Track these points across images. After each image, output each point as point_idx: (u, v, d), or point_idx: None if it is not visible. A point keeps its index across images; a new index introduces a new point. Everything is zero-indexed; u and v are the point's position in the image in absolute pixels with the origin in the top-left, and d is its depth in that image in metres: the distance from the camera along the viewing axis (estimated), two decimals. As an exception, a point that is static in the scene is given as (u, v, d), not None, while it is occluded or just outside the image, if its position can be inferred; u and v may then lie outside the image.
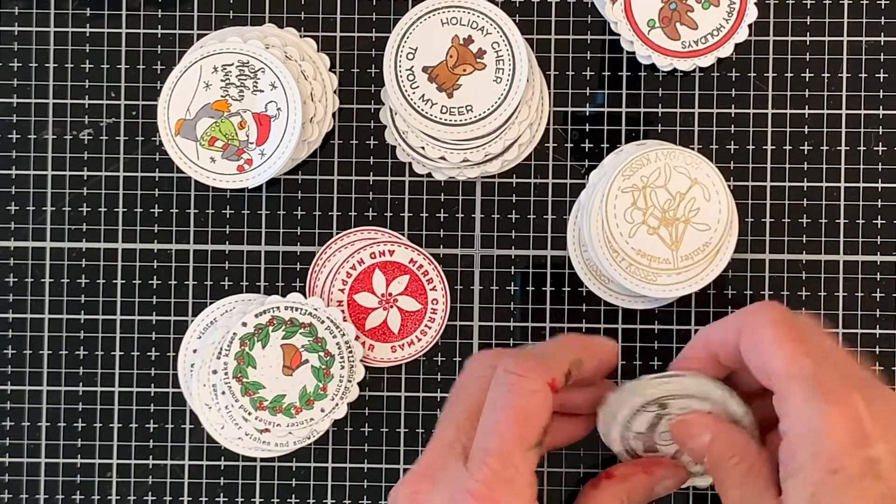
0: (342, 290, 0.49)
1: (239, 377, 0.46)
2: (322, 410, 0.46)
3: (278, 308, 0.46)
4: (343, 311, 0.48)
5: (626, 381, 0.39)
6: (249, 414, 0.46)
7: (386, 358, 0.49)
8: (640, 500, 0.40)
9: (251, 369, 0.46)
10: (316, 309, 0.46)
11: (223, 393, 0.46)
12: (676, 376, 0.38)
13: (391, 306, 0.49)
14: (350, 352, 0.47)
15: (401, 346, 0.49)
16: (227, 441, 0.47)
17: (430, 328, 0.49)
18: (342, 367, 0.46)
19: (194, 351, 0.48)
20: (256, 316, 0.46)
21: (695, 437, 0.37)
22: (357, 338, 0.47)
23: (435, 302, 0.49)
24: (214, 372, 0.46)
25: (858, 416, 0.31)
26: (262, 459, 0.49)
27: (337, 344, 0.46)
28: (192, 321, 0.49)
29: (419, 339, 0.49)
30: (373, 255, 0.49)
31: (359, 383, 0.48)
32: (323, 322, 0.46)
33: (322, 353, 0.46)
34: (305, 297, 0.48)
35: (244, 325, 0.46)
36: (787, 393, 0.32)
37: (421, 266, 0.49)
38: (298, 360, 0.46)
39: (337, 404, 0.47)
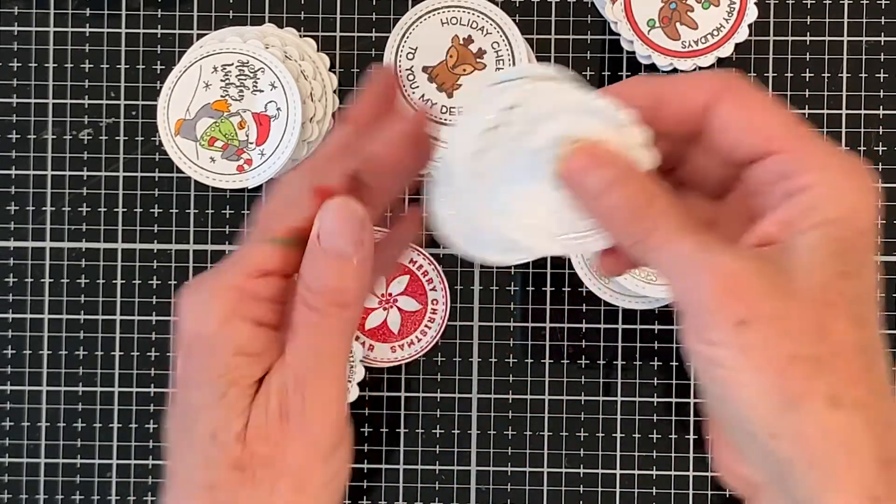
0: None
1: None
2: None
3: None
4: None
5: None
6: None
7: (386, 358, 0.49)
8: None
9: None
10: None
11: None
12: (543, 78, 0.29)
13: (391, 306, 0.49)
14: (349, 353, 0.46)
15: (400, 346, 0.49)
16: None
17: (429, 328, 0.49)
18: None
19: None
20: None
21: (600, 167, 0.29)
22: (356, 338, 0.47)
23: (435, 302, 0.49)
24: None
25: (874, 190, 0.29)
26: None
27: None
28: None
29: (419, 340, 0.49)
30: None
31: (358, 384, 0.48)
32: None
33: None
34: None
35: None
36: (804, 150, 0.29)
37: (421, 266, 0.49)
38: None
39: None
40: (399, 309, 0.49)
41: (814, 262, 0.28)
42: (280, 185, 0.33)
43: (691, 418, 0.50)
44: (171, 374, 0.32)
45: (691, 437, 0.50)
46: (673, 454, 0.49)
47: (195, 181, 0.48)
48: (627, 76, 0.49)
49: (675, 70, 0.49)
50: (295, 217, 0.31)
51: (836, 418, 0.27)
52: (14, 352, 0.50)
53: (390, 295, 0.49)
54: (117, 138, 0.50)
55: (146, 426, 0.50)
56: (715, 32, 0.47)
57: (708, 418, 0.31)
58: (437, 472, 0.50)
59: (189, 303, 0.30)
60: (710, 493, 0.49)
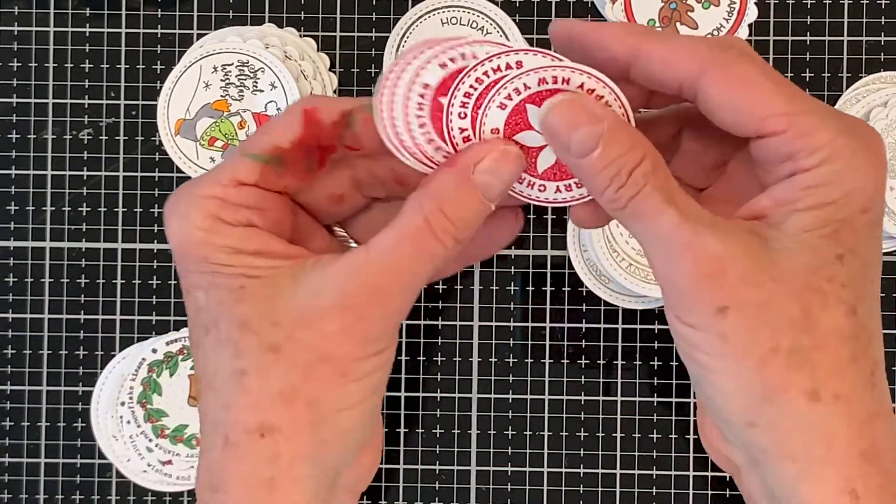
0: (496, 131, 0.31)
1: (143, 403, 0.46)
2: None
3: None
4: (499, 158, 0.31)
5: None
6: (151, 441, 0.46)
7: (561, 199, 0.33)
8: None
9: (156, 396, 0.46)
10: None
11: (128, 422, 0.46)
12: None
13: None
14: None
15: (576, 184, 0.32)
16: (132, 475, 0.47)
17: None
18: None
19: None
20: (167, 343, 0.46)
21: (590, 123, 0.27)
22: None
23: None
24: (122, 403, 0.46)
25: (883, 159, 0.28)
26: (171, 494, 0.49)
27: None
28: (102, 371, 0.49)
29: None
30: (542, 81, 0.30)
31: None
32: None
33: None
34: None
35: (154, 351, 0.47)
36: (810, 128, 0.27)
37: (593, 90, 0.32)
38: None
39: None
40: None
41: (805, 244, 0.27)
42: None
43: (691, 418, 0.50)
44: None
45: (691, 437, 0.50)
46: (673, 454, 0.49)
47: (195, 181, 0.48)
48: (627, 76, 0.49)
49: (675, 70, 0.49)
50: (280, 136, 0.30)
51: (814, 411, 0.26)
52: (14, 352, 0.50)
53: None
54: (117, 138, 0.50)
55: (146, 426, 0.50)
56: (715, 32, 0.47)
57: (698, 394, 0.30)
58: (437, 472, 0.50)
59: (173, 215, 0.30)
60: (709, 493, 0.49)
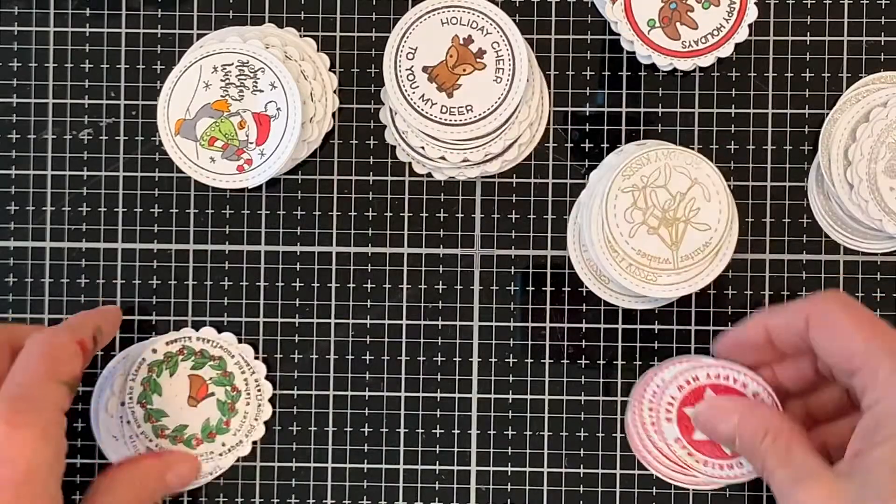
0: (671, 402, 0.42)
1: (143, 403, 0.46)
2: (223, 444, 0.47)
3: (190, 338, 0.46)
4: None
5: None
6: (151, 441, 0.46)
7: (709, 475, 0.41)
8: (154, 489, 0.43)
9: (156, 396, 0.46)
10: (228, 343, 0.46)
11: (128, 422, 0.46)
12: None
13: None
14: (259, 390, 0.47)
15: (729, 465, 0.41)
16: None
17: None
18: (248, 404, 0.47)
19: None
20: (167, 343, 0.46)
21: (723, 420, 0.37)
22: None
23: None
24: (122, 403, 0.46)
25: None
26: (170, 495, 0.49)
27: (245, 380, 0.46)
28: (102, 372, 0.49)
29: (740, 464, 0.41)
30: (709, 377, 0.42)
31: (265, 422, 0.48)
32: (233, 357, 0.46)
33: (229, 388, 0.46)
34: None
35: (154, 351, 0.47)
36: (876, 366, 0.33)
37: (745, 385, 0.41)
38: (205, 392, 0.47)
39: (241, 440, 0.47)
40: None
41: (878, 477, 0.32)
42: (56, 336, 0.42)
43: (691, 418, 0.50)
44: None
45: (691, 437, 0.50)
46: (673, 454, 0.49)
47: (195, 181, 0.48)
48: (627, 76, 0.49)
49: (674, 70, 0.49)
50: (74, 366, 0.41)
51: None
52: (14, 352, 0.50)
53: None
54: (117, 138, 0.50)
55: (146, 426, 0.50)
56: (715, 32, 0.47)
57: None
58: (437, 472, 0.50)
59: (21, 438, 0.37)
60: (709, 492, 0.49)
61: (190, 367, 0.46)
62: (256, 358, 0.49)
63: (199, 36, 0.50)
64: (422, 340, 0.50)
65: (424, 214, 0.50)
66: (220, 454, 0.46)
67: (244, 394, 0.46)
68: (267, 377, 0.49)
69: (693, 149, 0.49)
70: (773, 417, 0.37)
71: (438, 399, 0.50)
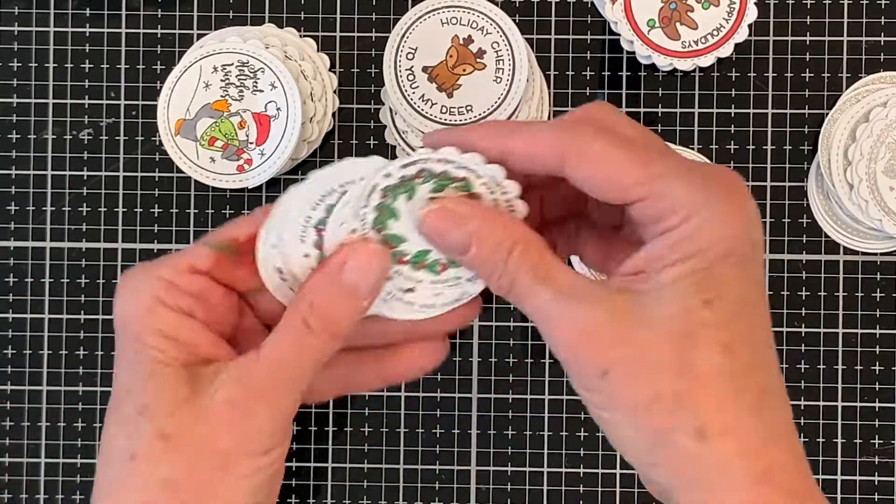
0: None
1: (379, 228, 0.37)
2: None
3: (427, 160, 0.37)
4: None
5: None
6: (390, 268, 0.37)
7: None
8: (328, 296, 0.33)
9: (392, 221, 0.37)
10: (474, 164, 0.36)
11: None
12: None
13: None
14: (511, 210, 0.37)
15: None
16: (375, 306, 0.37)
17: None
18: None
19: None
20: (402, 167, 0.37)
21: (458, 227, 0.31)
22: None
23: None
24: (353, 231, 0.37)
25: (745, 202, 0.30)
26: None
27: (495, 201, 0.37)
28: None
29: None
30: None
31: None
32: (481, 177, 0.36)
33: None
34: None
35: (388, 175, 0.37)
36: (663, 191, 0.29)
37: None
38: None
39: None
40: None
41: (673, 295, 0.29)
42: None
43: (691, 418, 0.50)
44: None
45: (691, 437, 0.50)
46: (673, 454, 0.49)
47: (195, 181, 0.48)
48: (627, 76, 0.49)
49: (674, 70, 0.49)
50: (239, 231, 0.33)
51: (704, 448, 0.28)
52: (14, 352, 0.50)
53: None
54: (117, 138, 0.50)
55: (146, 426, 0.50)
56: (715, 32, 0.47)
57: None
58: (437, 472, 0.50)
59: (122, 289, 0.32)
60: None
61: (430, 189, 0.37)
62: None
63: (199, 36, 0.50)
64: (422, 340, 0.50)
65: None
66: (468, 279, 0.39)
67: (499, 202, 0.38)
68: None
69: (693, 149, 0.49)
70: (520, 226, 0.31)
71: (438, 399, 0.50)
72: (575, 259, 0.45)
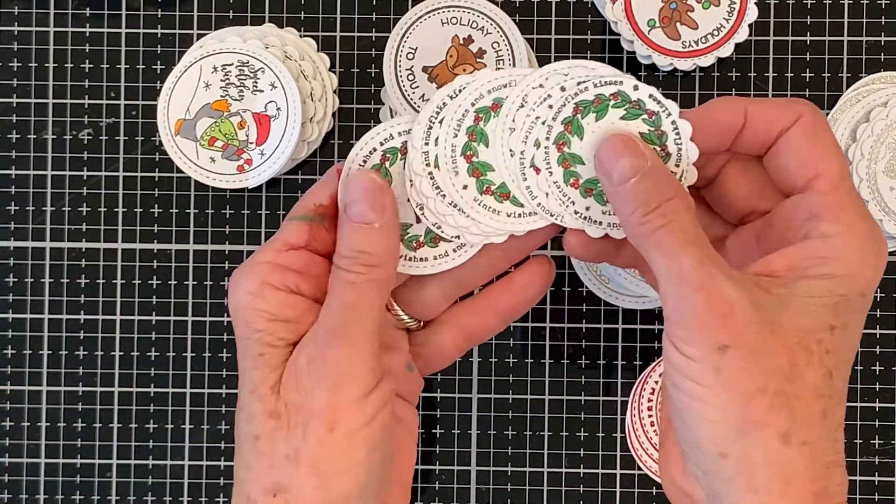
0: None
1: (561, 144, 0.37)
2: None
3: (623, 83, 0.37)
4: None
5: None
6: (559, 189, 0.37)
7: None
8: None
9: (576, 140, 0.37)
10: (671, 106, 0.36)
11: (531, 167, 0.36)
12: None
13: None
14: (689, 163, 0.37)
15: None
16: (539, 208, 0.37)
17: None
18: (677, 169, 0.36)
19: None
20: (598, 85, 0.37)
21: (634, 155, 0.32)
22: None
23: None
24: (536, 145, 0.36)
25: (885, 258, 0.32)
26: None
27: (678, 144, 0.36)
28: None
29: None
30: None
31: None
32: (670, 116, 0.36)
33: (658, 149, 0.36)
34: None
35: (585, 90, 0.37)
36: (845, 202, 0.31)
37: None
38: None
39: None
40: None
41: (806, 308, 0.30)
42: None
43: (691, 418, 0.50)
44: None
45: (691, 437, 0.50)
46: (673, 454, 0.49)
47: (195, 181, 0.48)
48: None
49: (674, 70, 0.49)
50: (319, 195, 0.34)
51: (783, 451, 0.29)
52: (14, 352, 0.50)
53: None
54: (117, 138, 0.50)
55: (146, 426, 0.50)
56: (715, 32, 0.47)
57: (663, 426, 0.33)
58: (437, 472, 0.50)
59: (232, 281, 0.33)
60: (710, 493, 0.49)
61: (620, 116, 0.37)
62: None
63: (199, 36, 0.50)
64: (422, 340, 0.50)
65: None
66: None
67: (674, 158, 0.36)
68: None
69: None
70: (684, 190, 0.32)
71: (438, 399, 0.50)
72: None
